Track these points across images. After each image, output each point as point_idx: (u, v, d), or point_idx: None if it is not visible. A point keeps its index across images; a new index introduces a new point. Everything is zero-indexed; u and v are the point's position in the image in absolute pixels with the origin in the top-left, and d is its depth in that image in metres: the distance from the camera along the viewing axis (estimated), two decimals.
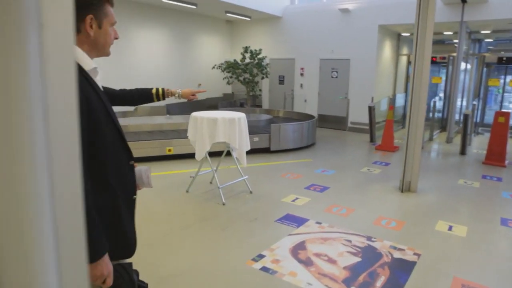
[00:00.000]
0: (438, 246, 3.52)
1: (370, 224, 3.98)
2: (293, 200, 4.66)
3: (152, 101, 2.21)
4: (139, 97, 2.19)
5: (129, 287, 1.48)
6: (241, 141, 4.58)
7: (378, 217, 4.15)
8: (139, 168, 1.66)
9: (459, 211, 4.46)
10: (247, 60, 10.60)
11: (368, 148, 8.03)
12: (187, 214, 4.18)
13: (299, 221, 4.01)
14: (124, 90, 2.19)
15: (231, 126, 4.48)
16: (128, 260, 1.61)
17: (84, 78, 1.37)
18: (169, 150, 6.52)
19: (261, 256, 3.25)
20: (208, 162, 4.66)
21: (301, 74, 10.87)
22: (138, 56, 9.80)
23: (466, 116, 7.30)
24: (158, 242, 3.49)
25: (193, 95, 2.35)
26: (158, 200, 4.61)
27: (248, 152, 7.04)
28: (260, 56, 10.59)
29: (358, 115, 9.76)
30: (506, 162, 6.64)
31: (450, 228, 3.88)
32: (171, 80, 10.74)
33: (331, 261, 3.18)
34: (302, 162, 6.64)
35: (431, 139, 9.16)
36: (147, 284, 1.65)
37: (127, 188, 1.58)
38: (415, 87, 4.85)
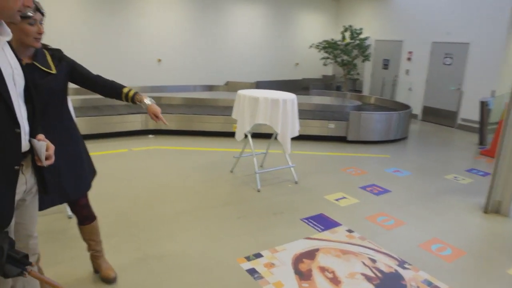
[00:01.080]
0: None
1: (415, 245, 3.18)
2: (338, 199, 4.05)
3: (120, 99, 2.19)
4: (109, 90, 2.21)
5: None
6: (285, 125, 4.13)
7: (431, 238, 3.30)
8: (41, 143, 1.52)
9: None
10: (348, 40, 9.70)
11: (472, 152, 6.60)
12: (215, 195, 3.97)
13: (328, 225, 3.44)
14: (99, 77, 2.20)
15: (273, 108, 4.06)
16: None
17: None
18: (235, 127, 6.38)
19: (257, 256, 2.86)
20: (249, 144, 4.33)
21: (408, 59, 9.50)
22: (233, 30, 9.81)
23: None
24: (169, 219, 3.38)
25: (157, 117, 2.19)
26: (198, 175, 4.51)
27: (321, 139, 6.55)
28: (362, 37, 9.58)
29: (471, 111, 8.10)
30: None
31: None
32: (266, 58, 10.56)
33: (334, 280, 2.61)
34: (377, 158, 5.80)
35: None
36: (24, 255, 1.46)
37: (7, 156, 1.41)
38: None
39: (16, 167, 1.44)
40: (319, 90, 9.67)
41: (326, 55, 9.97)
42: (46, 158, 1.55)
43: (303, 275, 2.66)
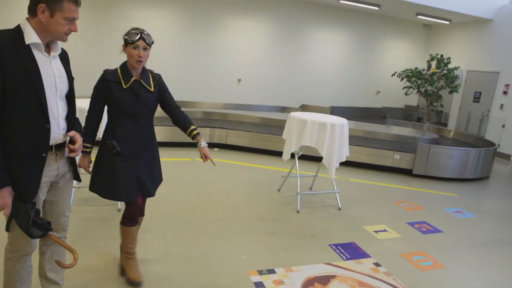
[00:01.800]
0: None
1: None
2: (377, 231, 3.88)
3: (185, 132, 2.57)
4: (180, 122, 2.59)
5: (23, 219, 1.74)
6: (331, 150, 4.12)
7: (469, 286, 2.98)
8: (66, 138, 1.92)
9: None
10: (434, 70, 9.16)
11: None
12: (254, 210, 4.12)
13: (356, 254, 3.33)
14: (178, 108, 2.61)
15: (320, 131, 4.09)
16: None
17: (11, 44, 1.66)
18: None
19: (270, 272, 2.91)
20: (295, 165, 4.41)
21: (504, 92, 8.58)
22: (316, 54, 9.97)
23: None
24: (201, 225, 3.61)
25: (205, 157, 2.51)
26: (247, 190, 4.71)
27: (385, 170, 6.26)
28: (450, 66, 8.96)
29: None
30: None
31: None
32: (344, 83, 10.48)
33: None
34: (441, 195, 5.36)
35: None
36: (47, 222, 1.83)
37: (36, 145, 1.79)
38: None
39: (43, 154, 1.80)
40: (396, 120, 9.24)
41: (408, 84, 9.52)
42: (72, 151, 1.91)
43: None
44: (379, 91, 10.90)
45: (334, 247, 3.43)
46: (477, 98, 9.32)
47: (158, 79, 2.49)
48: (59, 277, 2.15)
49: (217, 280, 2.75)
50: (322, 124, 4.08)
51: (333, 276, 2.94)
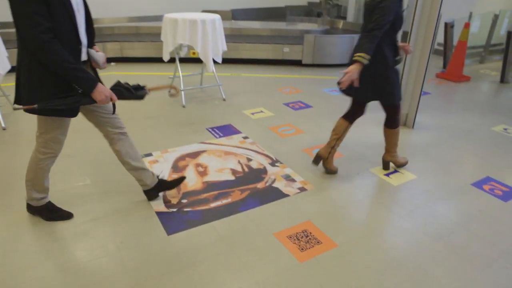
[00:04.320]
0: (334, 185, 2.91)
1: (298, 149, 3.47)
2: (254, 113, 4.32)
3: None
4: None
5: (129, 92, 2.11)
6: (205, 45, 4.29)
7: (318, 144, 3.57)
8: (100, 53, 2.11)
9: (438, 161, 3.47)
10: None
11: (429, 75, 6.58)
12: (141, 111, 4.30)
13: (228, 133, 3.75)
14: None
15: (192, 28, 4.21)
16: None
17: None
18: (193, 53, 6.52)
19: (147, 155, 3.24)
20: (177, 65, 4.56)
21: None
22: None
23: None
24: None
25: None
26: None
27: (278, 64, 6.63)
28: None
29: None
30: None
31: (388, 175, 3.12)
32: None
33: (202, 173, 2.98)
34: (324, 79, 5.91)
35: (503, 80, 6.65)
36: (138, 85, 2.17)
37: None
38: None
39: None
40: (296, 17, 9.47)
41: None
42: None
43: (177, 168, 3.04)
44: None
45: (210, 130, 3.82)
46: None
47: None
48: (141, 163, 2.44)
49: (96, 169, 3.02)
50: (192, 21, 4.18)
51: (204, 151, 3.36)
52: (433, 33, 3.73)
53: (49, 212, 2.36)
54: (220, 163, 3.14)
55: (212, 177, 2.94)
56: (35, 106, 1.86)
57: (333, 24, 8.58)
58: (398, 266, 2.08)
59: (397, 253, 2.20)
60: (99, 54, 2.09)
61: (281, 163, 3.19)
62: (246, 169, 3.07)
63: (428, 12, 3.72)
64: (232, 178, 2.93)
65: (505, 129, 4.18)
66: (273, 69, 6.36)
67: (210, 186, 2.80)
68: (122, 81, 2.14)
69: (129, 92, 2.10)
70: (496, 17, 7.40)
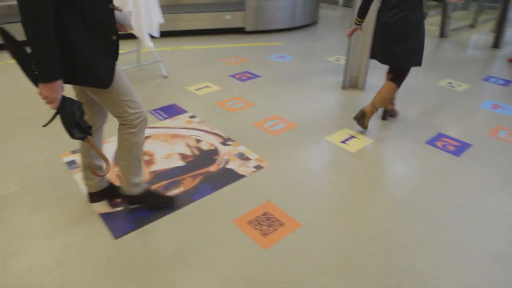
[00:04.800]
0: (290, 159, 2.78)
1: (250, 124, 3.27)
2: (199, 89, 4.02)
3: None
4: None
5: (68, 118, 1.64)
6: (138, 19, 3.84)
7: (270, 116, 3.40)
8: (123, 13, 1.82)
9: (391, 122, 3.44)
10: None
11: None
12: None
13: (173, 113, 3.46)
14: None
15: (122, 3, 3.73)
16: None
17: None
18: None
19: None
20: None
21: None
22: None
23: None
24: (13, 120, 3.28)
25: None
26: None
27: (221, 33, 6.28)
28: None
29: None
30: None
31: (344, 142, 3.03)
32: None
33: (149, 162, 2.70)
34: (268, 46, 5.68)
35: (473, 26, 7.19)
36: (89, 126, 1.73)
37: (105, 28, 1.65)
38: None
39: (113, 37, 1.68)
40: None
41: None
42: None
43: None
44: None
45: (154, 112, 3.49)
46: None
47: None
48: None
49: (32, 169, 2.63)
50: None
51: (148, 137, 3.05)
52: None
53: (151, 197, 2.21)
54: (167, 149, 2.87)
55: (159, 165, 2.67)
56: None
57: None
58: (366, 239, 2.01)
59: (363, 225, 2.12)
60: (123, 14, 1.82)
61: (233, 141, 2.98)
62: (196, 152, 2.83)
63: None
64: (182, 163, 2.69)
65: (450, 83, 4.26)
66: (216, 39, 6.00)
67: (159, 176, 2.54)
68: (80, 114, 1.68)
69: (70, 118, 1.63)
70: None
